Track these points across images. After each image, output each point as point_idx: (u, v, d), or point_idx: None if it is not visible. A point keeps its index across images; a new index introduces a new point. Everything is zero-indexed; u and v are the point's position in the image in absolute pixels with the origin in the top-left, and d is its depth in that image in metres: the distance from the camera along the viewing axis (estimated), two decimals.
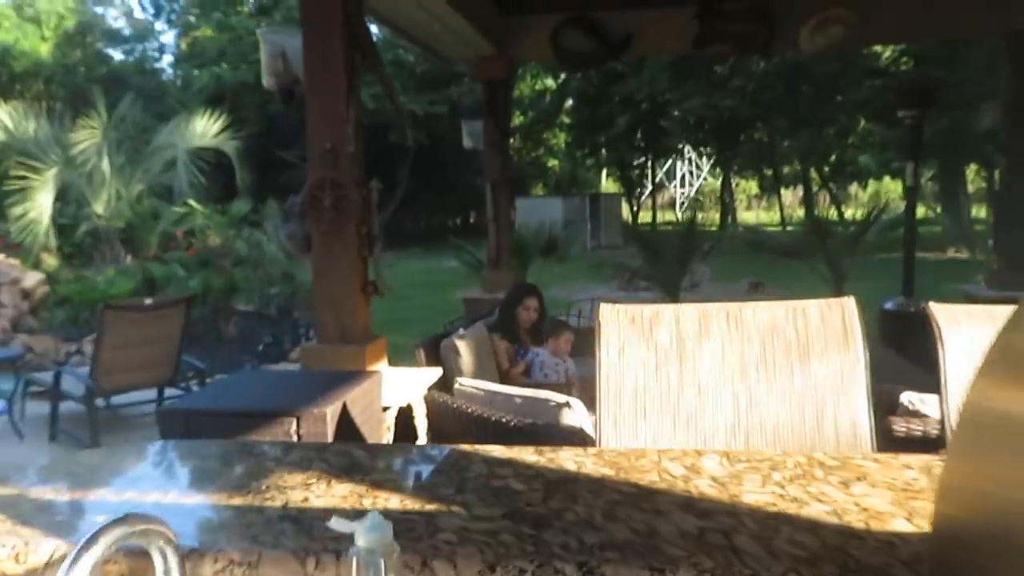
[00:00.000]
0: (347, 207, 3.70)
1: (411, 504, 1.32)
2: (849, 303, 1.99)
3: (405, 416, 3.86)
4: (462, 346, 4.42)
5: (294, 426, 2.81)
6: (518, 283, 6.90)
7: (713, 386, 1.98)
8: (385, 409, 3.59)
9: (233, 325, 9.19)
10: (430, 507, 1.31)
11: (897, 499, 1.31)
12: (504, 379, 4.73)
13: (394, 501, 1.34)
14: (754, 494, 1.34)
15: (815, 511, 1.27)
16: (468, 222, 31.52)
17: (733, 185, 36.11)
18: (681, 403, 1.98)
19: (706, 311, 2.08)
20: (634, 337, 2.05)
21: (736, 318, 2.06)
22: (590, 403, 3.44)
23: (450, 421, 3.59)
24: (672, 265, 8.53)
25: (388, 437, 3.64)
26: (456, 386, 3.74)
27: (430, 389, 3.98)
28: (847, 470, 1.45)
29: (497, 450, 1.60)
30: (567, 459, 1.55)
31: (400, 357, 4.68)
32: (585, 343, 5.35)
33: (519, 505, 1.31)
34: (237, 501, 1.36)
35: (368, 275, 3.90)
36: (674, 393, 1.99)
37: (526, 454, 1.57)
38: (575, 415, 3.17)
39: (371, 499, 1.35)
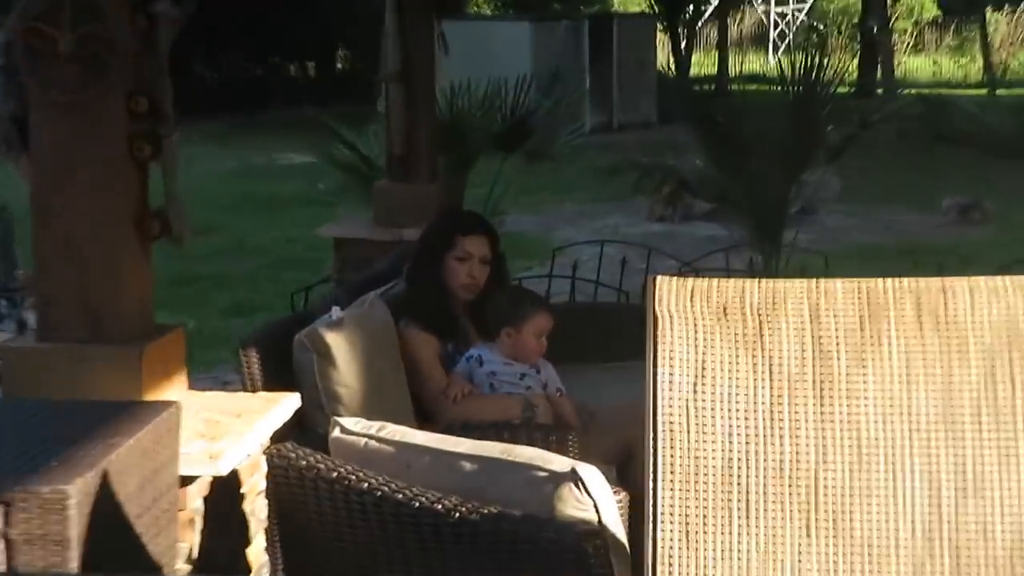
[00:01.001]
0: (108, 58, 3.68)
1: None
2: None
3: (225, 497, 3.87)
4: (339, 344, 4.42)
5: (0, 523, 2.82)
6: (450, 209, 6.90)
7: (888, 449, 2.03)
8: (186, 482, 3.59)
9: None
10: None
11: None
12: (428, 412, 4.76)
13: None
14: None
15: None
16: (333, 73, 31.32)
17: (888, 3, 36.41)
18: (824, 485, 2.03)
19: (875, 293, 2.12)
20: (728, 347, 2.08)
21: (935, 310, 2.11)
22: (588, 457, 3.46)
23: (323, 510, 3.60)
24: (767, 170, 8.55)
25: (192, 542, 3.65)
26: (334, 433, 3.76)
27: (276, 439, 3.99)
28: None
29: None
30: None
31: (204, 364, 4.67)
32: (587, 337, 5.41)
33: None
34: None
35: (148, 201, 3.89)
36: (808, 464, 2.04)
37: None
38: (586, 498, 3.21)
39: None
